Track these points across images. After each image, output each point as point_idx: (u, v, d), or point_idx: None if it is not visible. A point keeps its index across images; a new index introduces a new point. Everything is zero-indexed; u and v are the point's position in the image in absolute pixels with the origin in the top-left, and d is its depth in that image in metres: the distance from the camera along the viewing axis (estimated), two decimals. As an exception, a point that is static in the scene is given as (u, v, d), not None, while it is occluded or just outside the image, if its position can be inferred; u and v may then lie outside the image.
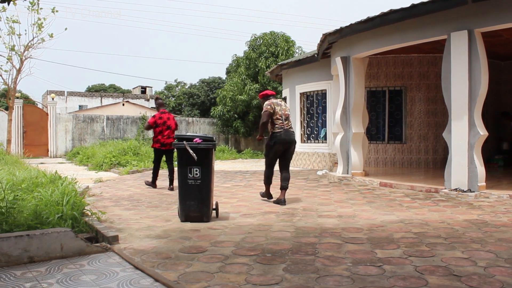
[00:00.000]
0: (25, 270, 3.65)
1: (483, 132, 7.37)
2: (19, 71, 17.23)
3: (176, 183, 6.30)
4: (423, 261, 3.77)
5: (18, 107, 19.88)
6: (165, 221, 5.60)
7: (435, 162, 12.31)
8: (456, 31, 7.54)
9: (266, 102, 7.11)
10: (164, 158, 9.26)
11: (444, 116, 11.66)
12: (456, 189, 7.49)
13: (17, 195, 5.29)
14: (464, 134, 7.48)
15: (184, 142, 5.53)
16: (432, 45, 10.25)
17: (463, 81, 7.45)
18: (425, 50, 11.51)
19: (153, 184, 9.14)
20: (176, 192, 7.11)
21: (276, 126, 6.95)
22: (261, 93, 7.49)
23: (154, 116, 9.08)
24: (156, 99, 9.40)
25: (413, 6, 7.86)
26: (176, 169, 6.54)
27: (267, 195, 7.35)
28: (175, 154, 16.43)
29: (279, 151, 7.02)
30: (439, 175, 9.26)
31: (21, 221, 4.47)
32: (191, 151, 5.44)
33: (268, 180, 7.25)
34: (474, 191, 7.30)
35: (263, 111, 7.04)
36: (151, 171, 9.78)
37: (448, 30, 7.70)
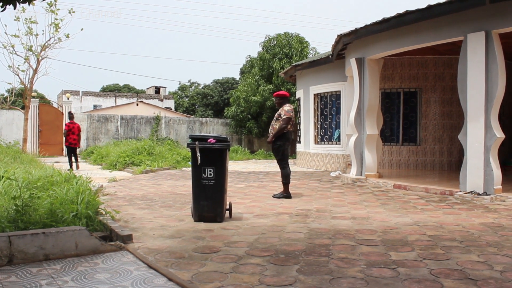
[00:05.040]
0: (40, 268, 3.69)
1: (499, 135, 7.27)
2: (35, 71, 17.48)
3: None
4: (438, 264, 3.73)
5: (34, 106, 20.12)
6: (178, 220, 5.62)
7: (450, 164, 12.19)
8: (473, 32, 7.45)
9: (289, 108, 7.49)
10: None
11: (459, 118, 11.54)
12: (472, 192, 7.40)
13: (33, 193, 5.34)
14: (480, 137, 7.39)
15: (196, 142, 5.52)
16: (448, 47, 10.15)
17: (480, 83, 7.36)
18: (441, 51, 11.40)
19: (70, 167, 12.55)
20: (189, 193, 7.14)
21: (288, 127, 7.49)
22: (279, 93, 7.64)
23: (66, 125, 13.69)
24: (69, 113, 14.65)
25: (429, 7, 7.79)
26: (190, 169, 6.70)
27: (288, 193, 7.64)
28: (188, 154, 17.49)
29: (287, 149, 7.62)
30: (454, 178, 9.16)
31: (36, 219, 4.52)
32: (198, 153, 5.44)
33: (289, 179, 7.64)
34: (490, 194, 7.20)
35: (287, 116, 7.40)
36: (164, 170, 12.52)
37: (464, 31, 7.62)
